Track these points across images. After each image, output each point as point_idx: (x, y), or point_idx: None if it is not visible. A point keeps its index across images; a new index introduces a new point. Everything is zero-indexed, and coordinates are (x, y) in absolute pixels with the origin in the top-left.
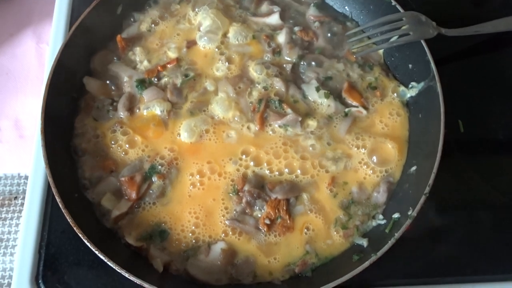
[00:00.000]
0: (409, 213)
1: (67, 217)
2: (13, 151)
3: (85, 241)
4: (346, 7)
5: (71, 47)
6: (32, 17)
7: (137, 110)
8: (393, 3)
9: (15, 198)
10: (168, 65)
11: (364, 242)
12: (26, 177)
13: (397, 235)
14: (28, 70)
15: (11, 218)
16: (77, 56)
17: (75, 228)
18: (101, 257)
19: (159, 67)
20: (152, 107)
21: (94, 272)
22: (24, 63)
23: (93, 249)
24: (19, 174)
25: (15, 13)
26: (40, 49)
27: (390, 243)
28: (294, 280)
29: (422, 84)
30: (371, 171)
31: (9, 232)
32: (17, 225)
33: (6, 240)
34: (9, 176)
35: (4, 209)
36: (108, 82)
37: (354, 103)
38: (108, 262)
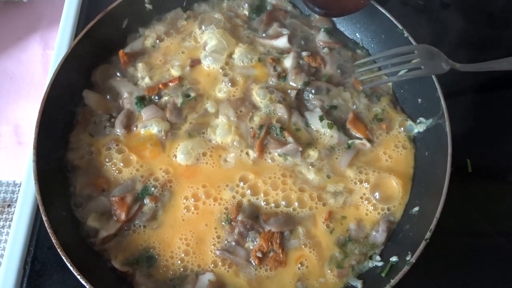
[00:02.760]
0: (408, 258)
1: (52, 238)
2: (10, 157)
3: (68, 265)
4: (357, 34)
5: (73, 58)
6: (41, 22)
7: (135, 128)
8: (406, 34)
9: (9, 205)
10: (170, 83)
11: (359, 285)
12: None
13: (393, 281)
14: (32, 76)
15: (3, 226)
16: (79, 68)
17: (59, 250)
18: (83, 282)
19: (160, 85)
20: (150, 126)
21: None
22: (29, 68)
23: (76, 274)
24: (14, 182)
25: (24, 17)
26: (46, 55)
27: None
28: None
29: (430, 120)
30: (372, 208)
31: None
32: (7, 233)
33: None
34: (4, 183)
35: None
36: (108, 97)
37: (358, 135)
38: None
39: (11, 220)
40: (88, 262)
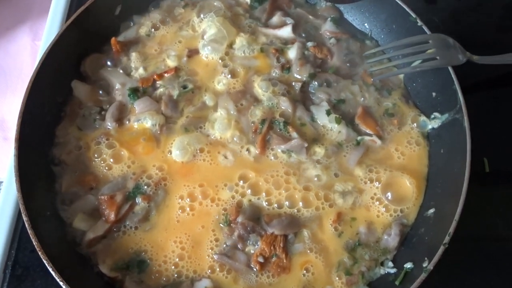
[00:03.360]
0: (425, 265)
1: (33, 239)
2: None
3: (51, 270)
4: (366, 24)
5: (61, 45)
6: (31, 12)
7: (127, 122)
8: (419, 23)
9: None
10: (166, 74)
11: None
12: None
13: None
14: (21, 68)
15: None
16: (67, 57)
17: (40, 253)
18: None
19: (155, 76)
20: (143, 119)
21: None
22: (17, 60)
23: (58, 280)
24: None
25: (13, 6)
26: (36, 46)
27: None
28: None
29: (446, 115)
30: (384, 209)
31: None
32: None
33: None
34: None
35: None
36: (98, 88)
37: (368, 131)
38: None
39: None
40: (74, 266)
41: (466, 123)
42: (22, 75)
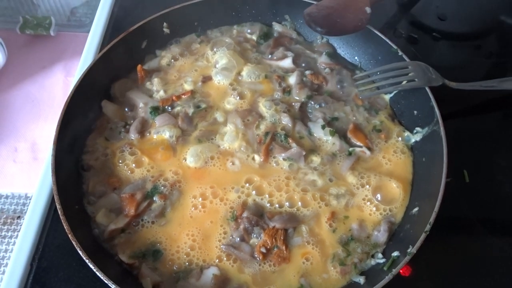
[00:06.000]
0: (409, 250)
1: (64, 224)
2: (25, 171)
3: (77, 249)
4: (356, 58)
5: (94, 72)
6: (65, 53)
7: (148, 134)
8: (400, 53)
9: (18, 217)
10: (183, 96)
11: (361, 280)
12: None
13: (394, 271)
14: (53, 100)
15: (10, 237)
16: (99, 81)
17: (69, 236)
18: (91, 266)
19: (173, 97)
20: (162, 131)
21: None
22: (50, 93)
23: (84, 257)
24: (26, 195)
25: (51, 48)
26: (68, 81)
27: (387, 278)
28: None
29: (426, 129)
30: (374, 208)
31: (6, 251)
32: (14, 243)
33: (1, 258)
34: (17, 195)
35: (6, 227)
36: (124, 106)
37: (359, 143)
38: (96, 272)
39: (19, 231)
40: (96, 253)
41: (443, 133)
42: (54, 105)
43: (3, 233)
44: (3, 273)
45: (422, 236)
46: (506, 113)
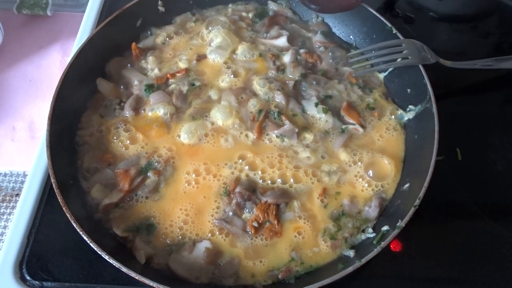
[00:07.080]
0: (398, 224)
1: (58, 197)
2: (23, 150)
3: (72, 222)
4: (351, 36)
5: (89, 50)
6: (62, 33)
7: (142, 111)
8: (394, 31)
9: (17, 195)
10: (177, 74)
11: (351, 253)
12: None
13: (383, 243)
14: (50, 79)
15: (9, 214)
16: (94, 59)
17: (64, 209)
18: (85, 238)
19: (168, 75)
20: (156, 109)
21: (78, 263)
22: (47, 73)
23: (78, 230)
24: (24, 173)
25: (48, 28)
26: (64, 61)
27: (375, 251)
28: (277, 286)
29: (419, 106)
30: (366, 184)
31: (5, 227)
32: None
33: (0, 234)
34: (15, 173)
35: (4, 204)
36: (119, 84)
37: (352, 121)
38: (91, 244)
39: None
40: (91, 226)
41: (435, 110)
42: (51, 85)
43: (1, 210)
44: (1, 248)
45: (411, 211)
46: (501, 94)
